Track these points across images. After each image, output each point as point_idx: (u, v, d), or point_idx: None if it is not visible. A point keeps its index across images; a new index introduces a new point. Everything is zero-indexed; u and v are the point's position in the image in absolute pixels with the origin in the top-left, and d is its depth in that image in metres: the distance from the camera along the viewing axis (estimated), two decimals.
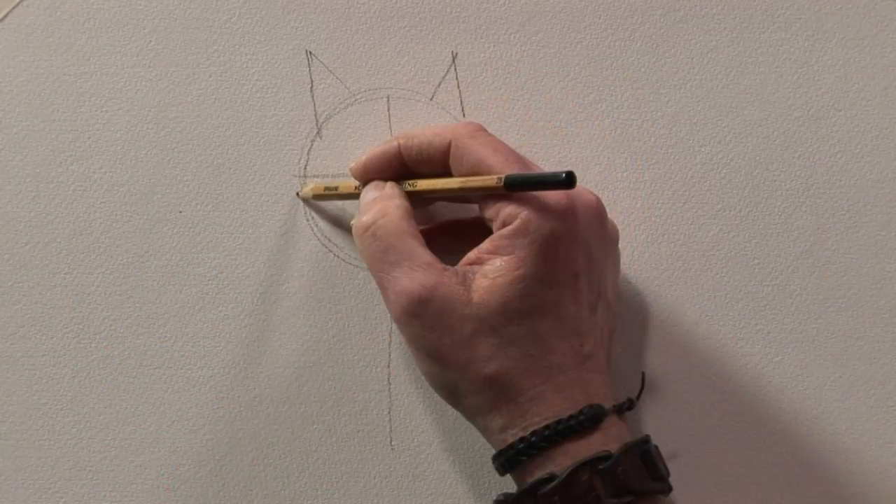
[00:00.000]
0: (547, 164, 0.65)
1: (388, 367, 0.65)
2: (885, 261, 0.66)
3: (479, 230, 0.59)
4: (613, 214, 0.65)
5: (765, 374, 0.65)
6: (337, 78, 0.65)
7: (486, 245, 0.57)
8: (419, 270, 0.57)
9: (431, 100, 0.66)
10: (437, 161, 0.60)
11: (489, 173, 0.58)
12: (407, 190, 0.61)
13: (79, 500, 0.64)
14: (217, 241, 0.65)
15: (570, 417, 0.56)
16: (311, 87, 0.65)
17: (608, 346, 0.60)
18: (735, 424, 0.65)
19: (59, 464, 0.64)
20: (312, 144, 0.65)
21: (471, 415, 0.58)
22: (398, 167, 0.61)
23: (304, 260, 0.65)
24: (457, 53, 0.66)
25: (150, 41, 0.65)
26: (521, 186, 0.57)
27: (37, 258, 0.65)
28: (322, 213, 0.65)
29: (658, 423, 0.65)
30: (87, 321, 0.64)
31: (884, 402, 0.65)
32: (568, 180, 0.55)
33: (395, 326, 0.65)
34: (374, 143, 0.64)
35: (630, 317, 0.65)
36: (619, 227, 0.65)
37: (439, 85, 0.66)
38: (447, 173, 0.60)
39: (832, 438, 0.65)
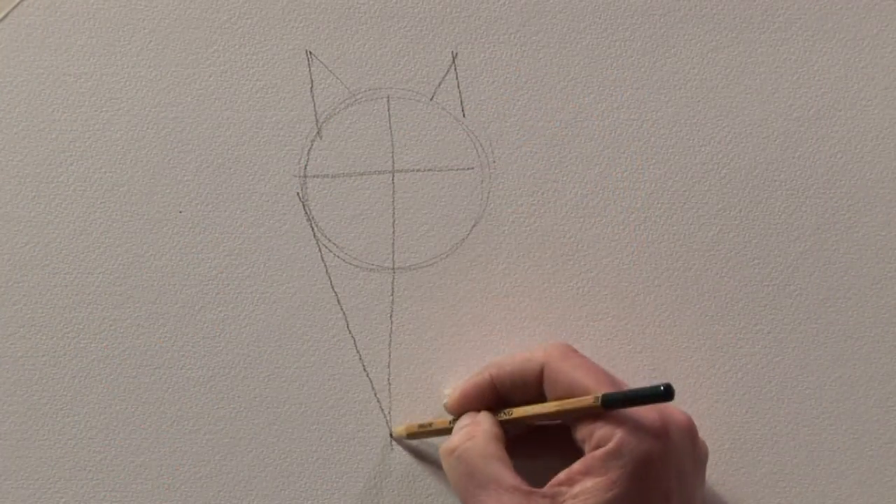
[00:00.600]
0: (547, 165, 0.65)
1: (388, 367, 0.65)
2: (885, 261, 0.66)
3: (565, 439, 0.60)
4: (614, 214, 0.65)
5: (765, 374, 0.65)
6: (337, 78, 0.65)
7: (577, 466, 0.57)
8: (506, 495, 0.57)
9: (431, 100, 0.66)
10: (531, 385, 0.60)
11: (585, 393, 0.58)
12: (502, 419, 0.61)
13: (79, 500, 0.64)
14: (217, 241, 0.65)
15: None
16: (311, 87, 0.65)
17: None
18: (735, 424, 0.65)
19: (59, 464, 0.64)
20: (312, 144, 0.65)
21: None
22: (491, 397, 0.61)
23: (304, 260, 0.65)
24: (457, 53, 0.66)
25: (150, 41, 0.65)
26: (618, 404, 0.57)
27: (37, 258, 0.65)
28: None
29: None
30: (87, 321, 0.64)
31: (884, 402, 0.65)
32: (666, 393, 0.55)
33: (394, 326, 0.65)
34: (374, 146, 0.64)
35: (630, 317, 0.65)
36: (620, 228, 0.65)
37: (439, 85, 0.66)
38: (540, 395, 0.60)
39: (832, 438, 0.65)
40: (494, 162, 0.65)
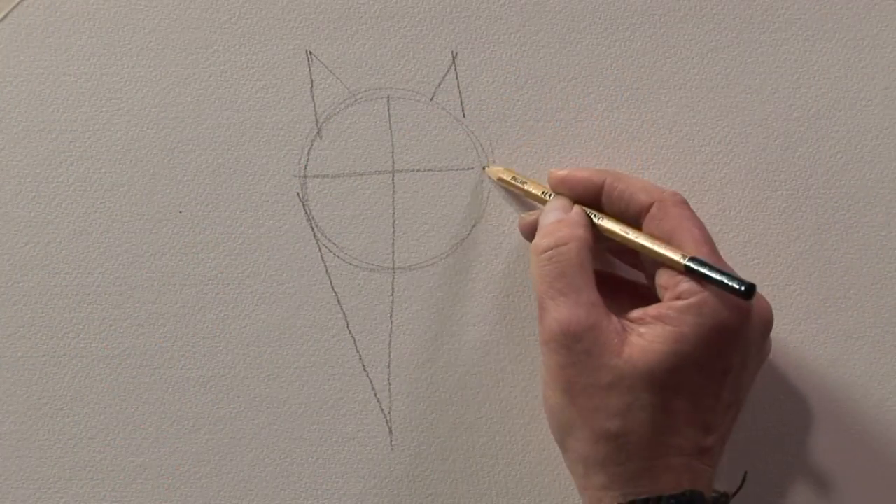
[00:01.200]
0: (547, 165, 0.65)
1: (388, 367, 0.65)
2: (885, 261, 0.66)
3: (638, 296, 0.60)
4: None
5: (765, 374, 0.65)
6: (337, 78, 0.65)
7: (653, 310, 0.57)
8: (582, 307, 0.57)
9: (431, 100, 0.66)
10: (633, 213, 0.60)
11: (679, 246, 0.58)
12: (594, 221, 0.60)
13: (79, 500, 0.64)
14: (217, 241, 0.65)
15: (672, 497, 0.56)
16: (311, 87, 0.65)
17: (725, 445, 0.59)
18: (735, 424, 0.65)
19: (59, 464, 0.64)
20: (312, 144, 0.65)
21: (574, 459, 0.58)
22: (593, 198, 0.61)
23: (304, 260, 0.65)
24: (457, 53, 0.66)
25: (150, 41, 0.65)
26: (699, 275, 0.57)
27: (37, 258, 0.65)
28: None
29: None
30: (87, 321, 0.64)
31: (884, 402, 0.65)
32: (747, 292, 0.55)
33: (394, 326, 0.65)
34: (374, 146, 0.64)
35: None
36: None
37: (439, 85, 0.66)
38: (637, 224, 0.60)
39: (832, 438, 0.65)
40: (494, 162, 0.65)
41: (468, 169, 0.65)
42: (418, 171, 0.65)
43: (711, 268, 0.57)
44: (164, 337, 0.65)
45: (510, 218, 0.65)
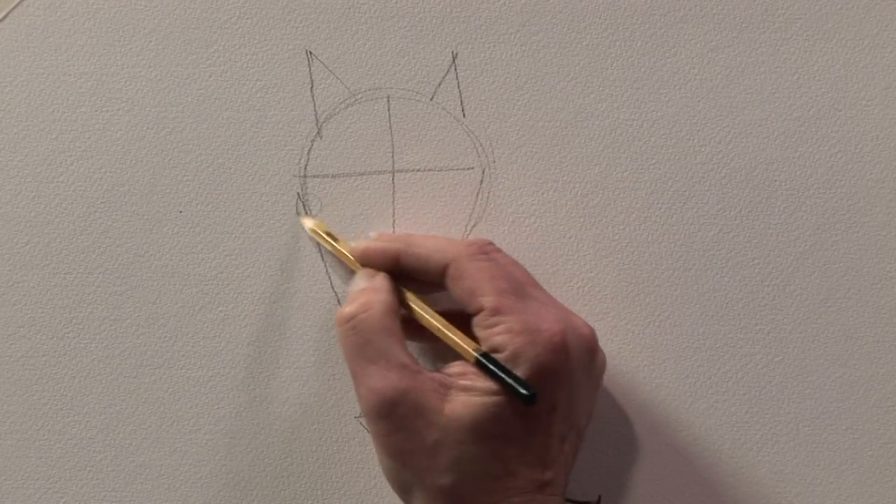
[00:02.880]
0: (547, 165, 0.65)
1: None
2: (885, 261, 0.66)
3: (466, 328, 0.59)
4: (614, 214, 0.65)
5: (765, 374, 0.65)
6: (337, 78, 0.65)
7: (472, 364, 0.57)
8: (393, 371, 0.57)
9: (431, 100, 0.66)
10: (434, 274, 0.60)
11: (480, 303, 0.57)
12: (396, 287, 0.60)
13: (79, 500, 0.64)
14: (217, 241, 0.65)
15: None
16: (311, 87, 0.65)
17: (570, 470, 0.59)
18: (735, 424, 0.65)
19: (59, 464, 0.64)
20: (312, 144, 0.65)
21: None
22: (394, 266, 0.61)
23: (304, 260, 0.65)
24: (457, 53, 0.66)
25: (150, 41, 0.65)
26: (488, 370, 0.56)
27: (37, 258, 0.65)
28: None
29: (658, 422, 0.65)
30: (87, 321, 0.64)
31: (884, 402, 0.65)
32: (530, 399, 0.55)
33: None
34: (374, 146, 0.64)
35: (630, 317, 0.65)
36: (620, 228, 0.65)
37: (439, 85, 0.66)
38: (443, 285, 0.60)
39: (832, 438, 0.65)
40: (494, 162, 0.65)
41: (468, 169, 0.65)
42: (418, 171, 0.65)
43: (499, 367, 0.56)
44: (164, 337, 0.65)
45: (510, 218, 0.65)
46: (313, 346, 0.65)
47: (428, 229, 0.65)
